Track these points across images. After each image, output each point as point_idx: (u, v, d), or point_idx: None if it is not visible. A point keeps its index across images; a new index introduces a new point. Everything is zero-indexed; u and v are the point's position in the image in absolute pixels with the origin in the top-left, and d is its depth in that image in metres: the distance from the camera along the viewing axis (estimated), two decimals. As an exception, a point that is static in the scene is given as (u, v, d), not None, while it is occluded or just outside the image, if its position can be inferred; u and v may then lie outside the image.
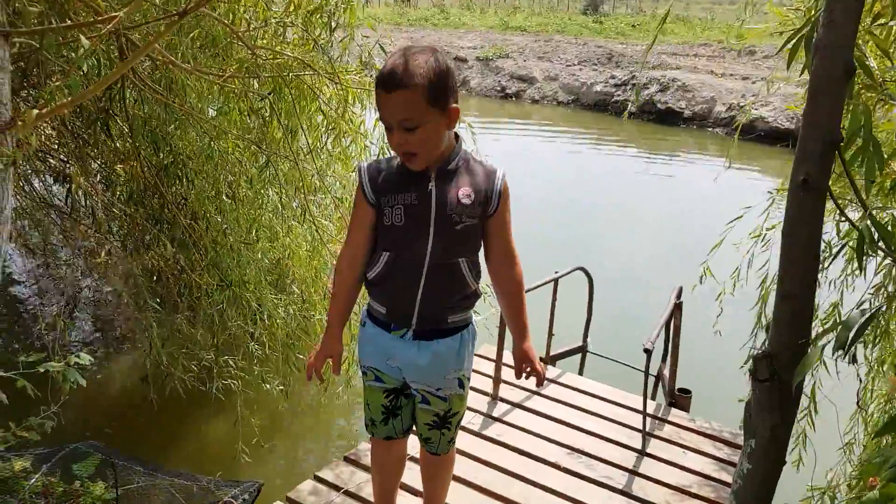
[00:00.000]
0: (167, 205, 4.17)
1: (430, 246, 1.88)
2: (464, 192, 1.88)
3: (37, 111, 2.37)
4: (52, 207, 5.05)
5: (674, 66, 16.76)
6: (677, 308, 3.53)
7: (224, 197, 4.21)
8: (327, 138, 4.20)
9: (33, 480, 1.97)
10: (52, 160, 4.76)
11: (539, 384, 2.05)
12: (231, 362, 4.08)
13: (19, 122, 2.33)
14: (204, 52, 3.76)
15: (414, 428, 2.23)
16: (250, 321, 4.22)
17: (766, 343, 1.51)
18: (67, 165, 4.56)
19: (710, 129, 14.50)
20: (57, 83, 2.53)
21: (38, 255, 5.91)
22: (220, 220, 4.22)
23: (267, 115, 3.94)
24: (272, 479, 4.01)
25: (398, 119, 1.78)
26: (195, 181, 4.20)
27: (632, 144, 13.63)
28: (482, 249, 2.00)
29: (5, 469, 2.12)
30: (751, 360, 1.50)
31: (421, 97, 1.75)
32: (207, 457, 4.19)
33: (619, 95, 16.01)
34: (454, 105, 1.83)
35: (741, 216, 3.66)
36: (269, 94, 3.69)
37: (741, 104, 14.17)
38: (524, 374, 2.03)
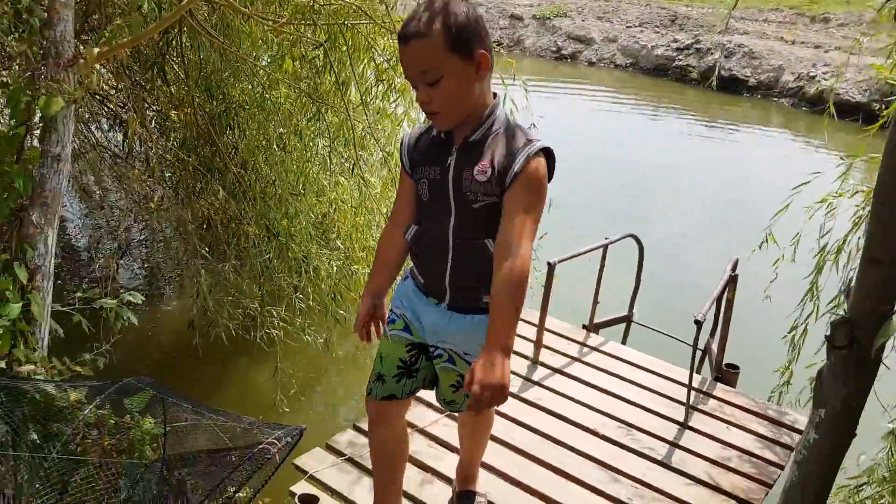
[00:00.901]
0: (219, 153, 4.21)
1: (452, 224, 1.76)
2: (481, 167, 1.69)
3: (98, 49, 2.39)
4: (107, 151, 5.15)
5: (741, 31, 16.10)
6: (732, 280, 3.43)
7: (274, 147, 4.23)
8: (378, 91, 4.16)
9: (86, 411, 2.03)
10: (109, 105, 4.84)
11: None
12: (275, 313, 4.13)
13: (81, 61, 2.35)
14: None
15: (435, 394, 2.08)
16: (295, 273, 4.26)
17: (847, 309, 1.45)
18: (124, 110, 4.62)
19: (775, 100, 13.95)
20: (118, 24, 2.54)
21: (92, 198, 6.06)
22: (268, 171, 4.24)
23: (320, 64, 3.91)
24: (312, 426, 4.10)
25: (418, 71, 1.64)
26: (246, 130, 4.22)
27: (690, 110, 13.22)
28: None
29: (61, 398, 2.19)
30: (828, 327, 1.43)
31: (440, 43, 1.59)
32: (249, 404, 4.28)
33: (680, 60, 15.48)
34: (482, 51, 1.63)
35: (808, 182, 3.49)
36: (325, 41, 3.65)
37: (811, 74, 13.56)
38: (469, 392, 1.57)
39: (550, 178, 1.72)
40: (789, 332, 3.65)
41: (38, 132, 2.50)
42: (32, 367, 2.34)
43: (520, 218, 1.64)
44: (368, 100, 4.11)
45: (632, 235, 3.76)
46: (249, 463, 1.70)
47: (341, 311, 4.37)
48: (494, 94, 1.75)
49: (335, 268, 4.30)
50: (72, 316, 2.88)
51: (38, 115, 2.46)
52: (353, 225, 4.37)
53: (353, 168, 4.22)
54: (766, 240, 3.77)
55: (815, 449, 1.51)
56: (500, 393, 1.54)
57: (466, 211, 1.74)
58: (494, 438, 2.90)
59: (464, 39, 1.61)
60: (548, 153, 1.70)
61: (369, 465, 2.69)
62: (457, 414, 2.33)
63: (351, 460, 2.76)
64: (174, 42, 3.92)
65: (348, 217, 4.35)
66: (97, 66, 2.97)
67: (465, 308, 1.87)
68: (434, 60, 1.61)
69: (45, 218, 2.35)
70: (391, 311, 1.99)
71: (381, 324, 1.98)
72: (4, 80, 2.49)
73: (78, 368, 2.85)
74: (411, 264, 2.01)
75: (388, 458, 2.09)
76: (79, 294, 2.58)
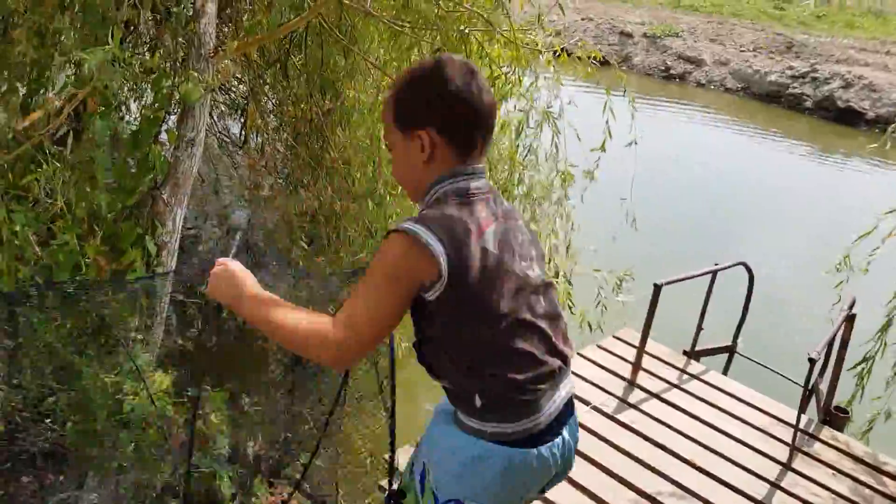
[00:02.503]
0: (328, 149, 4.32)
1: None
2: None
3: (237, 42, 2.50)
4: (226, 138, 5.38)
5: (861, 63, 15.27)
6: (848, 319, 3.24)
7: (383, 146, 4.30)
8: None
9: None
10: (231, 94, 5.06)
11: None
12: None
13: (220, 52, 2.46)
14: (384, 1, 3.81)
15: None
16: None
17: None
18: (245, 101, 4.83)
19: (895, 135, 13.14)
20: (257, 19, 2.66)
21: (205, 181, 6.35)
22: (372, 171, 4.30)
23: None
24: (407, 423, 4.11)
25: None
26: (357, 130, 4.32)
27: (803, 141, 12.62)
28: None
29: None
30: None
31: (388, 109, 1.43)
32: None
33: (794, 88, 14.82)
34: (420, 131, 1.38)
35: None
36: (439, 49, 3.69)
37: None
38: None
39: (421, 255, 1.29)
40: (857, 365, 3.44)
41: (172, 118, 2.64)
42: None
43: (351, 293, 1.37)
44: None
45: (742, 263, 3.61)
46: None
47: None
48: (456, 174, 1.41)
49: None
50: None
51: (175, 100, 2.60)
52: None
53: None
54: (844, 261, 3.54)
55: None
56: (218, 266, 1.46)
57: None
58: (584, 456, 2.84)
59: (408, 113, 1.41)
60: (403, 231, 1.32)
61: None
62: None
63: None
64: (297, 39, 4.06)
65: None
66: (233, 58, 3.11)
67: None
68: (385, 125, 1.46)
69: (176, 197, 2.47)
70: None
71: None
72: (150, 66, 2.64)
73: (183, 342, 3.01)
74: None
75: None
76: (202, 287, 2.70)
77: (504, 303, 1.35)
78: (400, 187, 4.42)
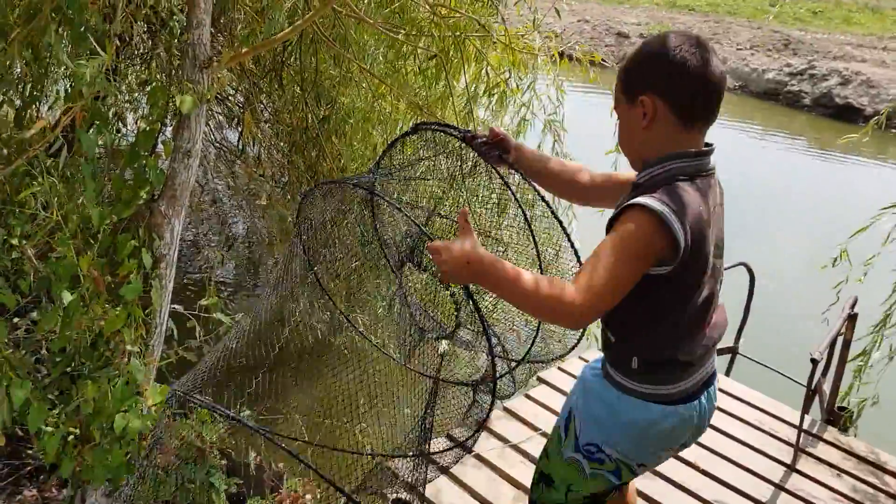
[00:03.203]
0: (325, 158, 4.31)
1: None
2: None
3: (232, 52, 2.50)
4: (223, 147, 5.38)
5: (859, 59, 15.27)
6: (850, 319, 3.22)
7: (378, 153, 4.29)
8: (486, 105, 4.15)
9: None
10: (227, 103, 5.06)
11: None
12: (359, 320, 4.14)
13: (215, 63, 2.45)
14: (378, 9, 3.81)
15: None
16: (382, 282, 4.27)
17: None
18: (241, 110, 4.82)
19: (893, 130, 13.13)
20: (251, 28, 2.65)
21: (204, 190, 6.34)
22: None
23: (431, 75, 3.95)
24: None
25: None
26: (353, 138, 4.31)
27: (802, 138, 12.61)
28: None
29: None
30: None
31: (618, 79, 1.56)
32: (329, 409, 4.25)
33: (792, 85, 14.82)
34: (643, 97, 1.48)
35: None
36: (435, 55, 3.69)
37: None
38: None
39: (664, 240, 1.41)
40: (855, 358, 3.44)
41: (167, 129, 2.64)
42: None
43: (597, 251, 1.43)
44: (475, 112, 4.11)
45: (743, 264, 3.60)
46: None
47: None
48: (687, 153, 1.51)
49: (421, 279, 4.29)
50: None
51: (171, 112, 2.60)
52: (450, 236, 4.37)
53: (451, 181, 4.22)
54: (840, 256, 3.53)
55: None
56: (438, 256, 1.46)
57: None
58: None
59: (633, 81, 1.52)
60: (651, 210, 1.41)
61: (462, 478, 2.70)
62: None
63: (445, 470, 2.75)
64: (291, 48, 4.05)
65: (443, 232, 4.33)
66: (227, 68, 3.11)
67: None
68: (615, 97, 1.58)
69: (173, 209, 2.47)
70: (595, 446, 1.66)
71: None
72: (145, 78, 2.64)
73: (185, 354, 3.01)
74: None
75: None
76: (201, 302, 2.71)
77: (704, 286, 1.52)
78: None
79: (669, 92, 1.47)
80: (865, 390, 3.46)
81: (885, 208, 3.27)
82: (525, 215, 1.89)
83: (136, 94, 3.00)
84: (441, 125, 1.92)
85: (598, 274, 1.38)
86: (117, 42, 2.47)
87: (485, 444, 2.95)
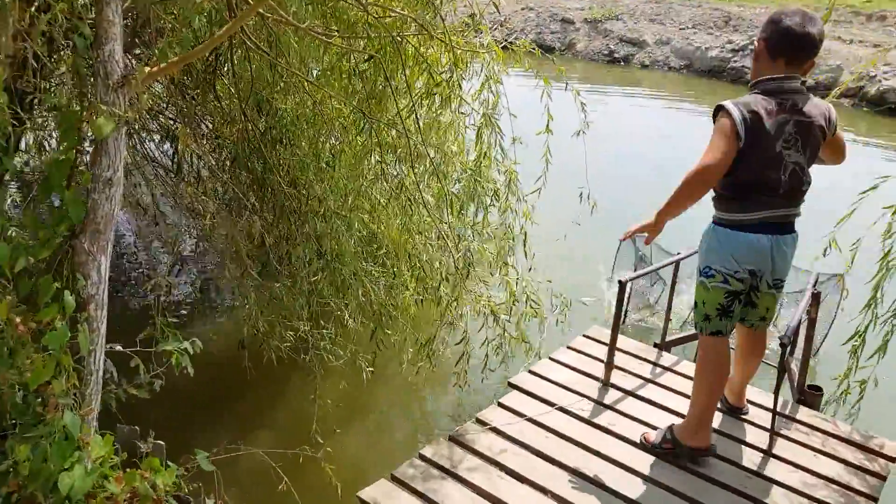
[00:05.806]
0: (270, 169, 4.11)
1: None
2: None
3: (148, 69, 2.31)
4: (160, 166, 5.13)
5: (795, 30, 15.51)
6: (814, 298, 3.18)
7: (323, 164, 4.11)
8: (429, 103, 4.02)
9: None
10: (161, 119, 4.81)
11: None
12: (325, 336, 3.99)
13: (131, 81, 2.26)
14: (311, 11, 3.63)
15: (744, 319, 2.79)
16: (342, 294, 4.11)
17: None
18: (175, 125, 4.59)
19: (834, 100, 13.40)
20: (168, 40, 2.46)
21: (147, 213, 6.07)
22: (318, 188, 4.11)
23: (370, 76, 3.79)
24: (370, 454, 3.94)
25: None
26: (297, 146, 4.12)
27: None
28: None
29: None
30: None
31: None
32: (298, 429, 4.10)
33: (735, 62, 15.02)
34: (759, 41, 2.58)
35: (875, 186, 3.28)
36: (373, 56, 3.52)
37: (872, 73, 12.98)
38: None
39: (737, 126, 2.46)
40: (850, 339, 3.42)
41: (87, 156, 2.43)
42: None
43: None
44: (423, 112, 3.97)
45: (703, 249, 3.53)
46: None
47: (388, 332, 4.20)
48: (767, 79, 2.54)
49: (383, 286, 4.15)
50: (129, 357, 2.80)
51: (88, 137, 2.39)
52: (399, 243, 4.20)
53: (400, 185, 4.08)
54: (830, 246, 3.54)
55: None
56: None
57: None
58: (566, 468, 2.75)
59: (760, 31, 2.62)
60: (727, 108, 2.50)
61: (436, 499, 2.56)
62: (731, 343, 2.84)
63: (416, 492, 2.61)
64: (223, 57, 3.85)
65: (396, 235, 4.19)
66: (149, 85, 2.91)
67: None
68: None
69: (98, 245, 2.26)
70: (708, 267, 2.66)
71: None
72: (55, 101, 2.42)
73: (134, 391, 2.78)
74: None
75: (720, 365, 2.70)
76: (140, 337, 2.49)
77: (770, 161, 2.53)
78: (350, 199, 4.28)
79: (771, 40, 2.51)
80: (862, 373, 3.43)
81: (863, 192, 3.25)
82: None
83: (44, 121, 2.77)
84: None
85: (707, 149, 2.49)
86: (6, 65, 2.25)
87: (466, 461, 2.82)
